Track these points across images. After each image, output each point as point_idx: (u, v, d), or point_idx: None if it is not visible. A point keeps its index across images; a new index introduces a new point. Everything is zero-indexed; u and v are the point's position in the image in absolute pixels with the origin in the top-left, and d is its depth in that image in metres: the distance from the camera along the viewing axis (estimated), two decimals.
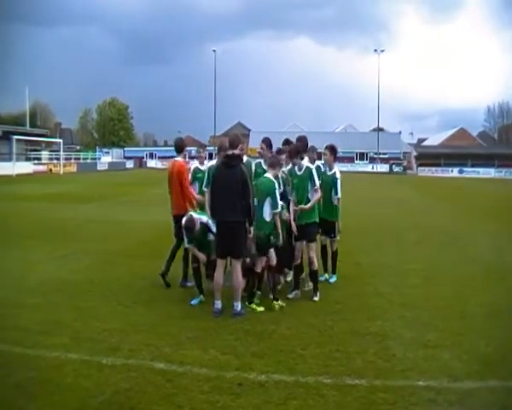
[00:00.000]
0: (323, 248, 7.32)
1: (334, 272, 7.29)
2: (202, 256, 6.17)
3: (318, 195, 6.42)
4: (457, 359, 4.56)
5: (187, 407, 3.67)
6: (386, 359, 4.56)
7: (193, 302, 6.12)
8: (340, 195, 6.98)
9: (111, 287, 6.78)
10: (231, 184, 5.58)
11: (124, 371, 4.20)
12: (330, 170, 7.10)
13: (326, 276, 7.25)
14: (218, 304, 5.70)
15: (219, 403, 3.73)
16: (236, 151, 5.81)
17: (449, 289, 6.95)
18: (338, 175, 7.05)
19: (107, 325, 5.30)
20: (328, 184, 7.00)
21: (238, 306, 5.65)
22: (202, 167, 7.06)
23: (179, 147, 7.22)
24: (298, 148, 6.52)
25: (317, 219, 6.52)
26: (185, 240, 6.25)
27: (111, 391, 3.87)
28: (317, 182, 6.38)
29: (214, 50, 65.53)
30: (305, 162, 6.48)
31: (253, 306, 5.91)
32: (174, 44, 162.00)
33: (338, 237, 7.21)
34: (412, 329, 5.36)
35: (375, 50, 63.64)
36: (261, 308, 5.89)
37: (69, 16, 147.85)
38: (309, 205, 6.28)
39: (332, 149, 7.12)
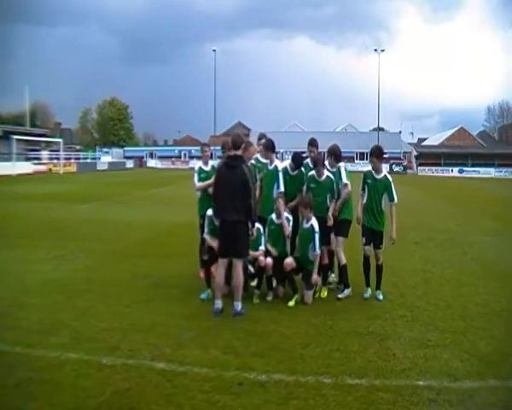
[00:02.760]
0: (366, 259, 6.54)
1: (378, 288, 6.47)
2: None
3: (348, 189, 6.56)
4: (458, 358, 4.56)
5: (187, 406, 3.67)
6: (387, 358, 4.56)
7: (202, 296, 6.22)
8: (396, 200, 6.37)
9: (111, 287, 6.77)
10: (233, 185, 5.62)
11: (124, 371, 4.20)
12: (379, 173, 6.43)
13: (369, 291, 6.50)
14: (219, 304, 5.70)
15: (219, 403, 3.73)
16: (238, 152, 5.82)
17: (449, 289, 6.95)
18: (390, 178, 6.42)
19: (107, 324, 5.29)
20: (378, 190, 6.37)
21: (239, 305, 5.65)
22: (206, 168, 7.03)
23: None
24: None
25: (350, 217, 6.65)
26: (205, 230, 6.43)
27: (111, 391, 3.87)
28: (344, 178, 6.57)
29: (214, 50, 65.66)
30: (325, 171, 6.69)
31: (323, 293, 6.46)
32: (173, 44, 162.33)
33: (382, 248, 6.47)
34: (412, 329, 5.36)
35: (376, 50, 63.69)
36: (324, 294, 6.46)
37: (69, 16, 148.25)
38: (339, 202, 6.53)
39: (378, 153, 6.50)
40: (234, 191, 5.60)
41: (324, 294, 6.51)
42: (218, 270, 5.79)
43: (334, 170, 6.71)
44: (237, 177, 5.62)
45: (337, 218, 6.56)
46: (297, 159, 6.83)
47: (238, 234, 5.65)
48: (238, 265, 5.69)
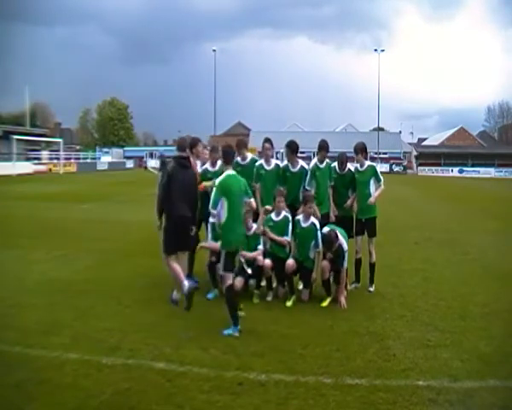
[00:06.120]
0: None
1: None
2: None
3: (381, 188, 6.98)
4: (457, 358, 4.56)
5: (187, 406, 3.67)
6: (387, 358, 4.56)
7: (209, 296, 6.28)
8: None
9: (111, 287, 6.77)
10: (186, 183, 5.96)
11: (124, 371, 4.20)
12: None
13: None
14: (178, 296, 5.90)
15: (219, 403, 3.73)
16: (185, 153, 6.21)
17: (449, 289, 6.95)
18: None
19: (107, 324, 5.29)
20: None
21: (175, 294, 5.92)
22: (213, 169, 6.81)
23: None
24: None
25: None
26: (209, 236, 6.51)
27: (111, 391, 3.87)
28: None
29: (214, 50, 65.43)
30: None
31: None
32: (173, 44, 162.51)
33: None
34: (412, 329, 5.36)
35: (375, 50, 63.61)
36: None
37: (68, 16, 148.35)
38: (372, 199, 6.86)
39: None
40: (188, 189, 5.96)
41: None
42: (175, 265, 5.85)
43: (364, 169, 6.86)
44: (190, 176, 6.06)
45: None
46: (292, 145, 6.78)
47: (189, 229, 5.97)
48: (184, 257, 6.16)
